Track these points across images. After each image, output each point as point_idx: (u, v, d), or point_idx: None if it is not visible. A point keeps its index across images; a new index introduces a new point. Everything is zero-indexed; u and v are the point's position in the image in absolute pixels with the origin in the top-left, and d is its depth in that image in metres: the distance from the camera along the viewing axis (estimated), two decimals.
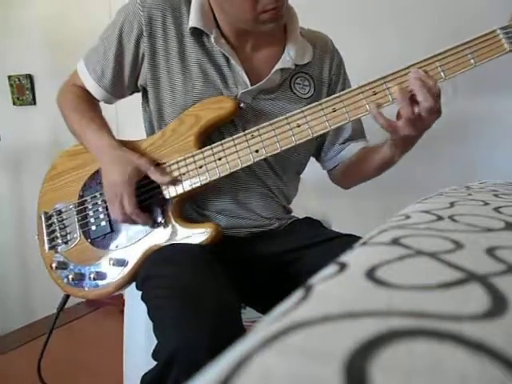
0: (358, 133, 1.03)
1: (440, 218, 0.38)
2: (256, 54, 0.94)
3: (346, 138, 1.02)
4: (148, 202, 0.91)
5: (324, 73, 0.99)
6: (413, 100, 0.78)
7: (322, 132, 0.84)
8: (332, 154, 1.04)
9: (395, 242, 0.31)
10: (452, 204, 0.45)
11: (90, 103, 0.98)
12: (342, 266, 0.27)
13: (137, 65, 0.93)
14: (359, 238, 0.87)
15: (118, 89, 0.97)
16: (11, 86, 2.39)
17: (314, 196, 1.14)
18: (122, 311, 1.16)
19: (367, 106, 0.81)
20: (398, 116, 0.80)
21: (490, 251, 0.28)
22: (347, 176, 1.06)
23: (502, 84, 1.40)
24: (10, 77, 2.38)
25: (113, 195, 0.88)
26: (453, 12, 1.42)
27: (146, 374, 0.67)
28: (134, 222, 0.90)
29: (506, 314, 0.20)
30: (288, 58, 0.93)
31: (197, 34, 0.90)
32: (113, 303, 1.92)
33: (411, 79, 0.78)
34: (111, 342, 1.43)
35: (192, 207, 0.94)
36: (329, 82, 0.99)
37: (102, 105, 1.03)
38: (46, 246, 1.00)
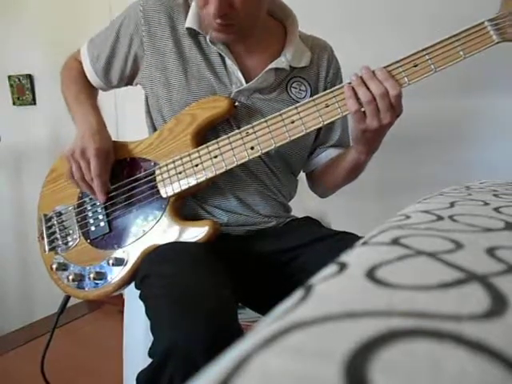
0: (342, 142, 1.04)
1: (440, 218, 0.38)
2: (252, 54, 0.95)
3: (330, 145, 1.03)
4: (145, 200, 0.92)
5: (320, 79, 0.99)
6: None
7: (315, 127, 0.84)
8: (312, 156, 1.05)
9: (395, 241, 0.31)
10: (452, 204, 0.45)
11: (91, 85, 1.04)
12: (342, 266, 0.27)
13: (127, 60, 0.97)
14: (358, 236, 0.87)
15: (108, 76, 1.01)
16: (11, 86, 2.38)
17: (314, 196, 1.14)
18: (121, 311, 1.16)
19: None
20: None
21: (490, 251, 0.28)
22: (322, 181, 1.06)
23: (502, 84, 1.40)
24: (10, 77, 2.38)
25: (78, 150, 0.90)
26: (450, 14, 1.42)
27: (141, 371, 0.67)
28: (89, 187, 0.91)
29: (506, 313, 0.20)
30: (283, 59, 0.93)
31: (193, 34, 0.93)
32: (112, 303, 1.93)
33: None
34: (111, 341, 1.44)
35: (195, 203, 0.95)
36: (324, 90, 0.99)
37: (101, 106, 1.03)
38: (47, 248, 1.01)
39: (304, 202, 1.15)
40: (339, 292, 0.23)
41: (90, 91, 1.03)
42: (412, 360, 0.16)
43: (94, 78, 1.02)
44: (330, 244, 0.88)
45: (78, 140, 0.91)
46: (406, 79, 0.80)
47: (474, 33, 0.79)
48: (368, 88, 0.79)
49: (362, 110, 0.80)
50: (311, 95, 0.97)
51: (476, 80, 1.36)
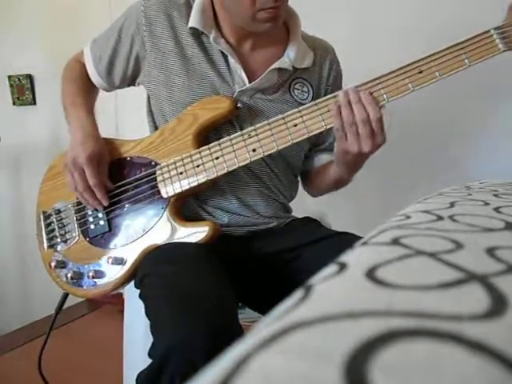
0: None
1: (440, 218, 0.38)
2: (256, 53, 0.94)
3: (323, 148, 1.03)
4: (146, 200, 0.92)
5: (322, 81, 0.99)
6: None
7: (318, 131, 0.84)
8: (305, 158, 1.05)
9: (395, 241, 0.31)
10: (452, 204, 0.45)
11: (91, 87, 1.04)
12: (342, 266, 0.27)
13: (129, 60, 0.96)
14: (357, 236, 0.87)
15: (110, 77, 1.01)
16: (11, 86, 2.38)
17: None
18: (121, 311, 1.16)
19: None
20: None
21: (490, 251, 0.28)
22: (313, 185, 1.07)
23: (502, 84, 1.40)
24: (10, 77, 2.38)
25: (70, 160, 0.91)
26: (455, 22, 1.42)
27: (141, 372, 0.67)
28: (92, 193, 0.92)
29: (506, 314, 0.20)
30: (286, 59, 0.93)
31: (196, 34, 0.92)
32: (112, 303, 1.92)
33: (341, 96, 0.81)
34: (111, 341, 1.43)
35: (196, 203, 0.95)
36: (325, 92, 0.99)
37: (102, 106, 1.03)
38: (45, 245, 1.01)
39: (304, 203, 1.15)
40: (339, 292, 0.23)
41: (88, 94, 1.02)
42: (412, 360, 0.16)
43: (96, 79, 1.02)
44: (330, 244, 0.88)
45: (70, 148, 0.93)
46: (410, 85, 0.80)
47: (479, 41, 0.78)
48: (352, 110, 0.80)
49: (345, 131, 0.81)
50: (313, 97, 0.97)
51: (478, 82, 1.36)
